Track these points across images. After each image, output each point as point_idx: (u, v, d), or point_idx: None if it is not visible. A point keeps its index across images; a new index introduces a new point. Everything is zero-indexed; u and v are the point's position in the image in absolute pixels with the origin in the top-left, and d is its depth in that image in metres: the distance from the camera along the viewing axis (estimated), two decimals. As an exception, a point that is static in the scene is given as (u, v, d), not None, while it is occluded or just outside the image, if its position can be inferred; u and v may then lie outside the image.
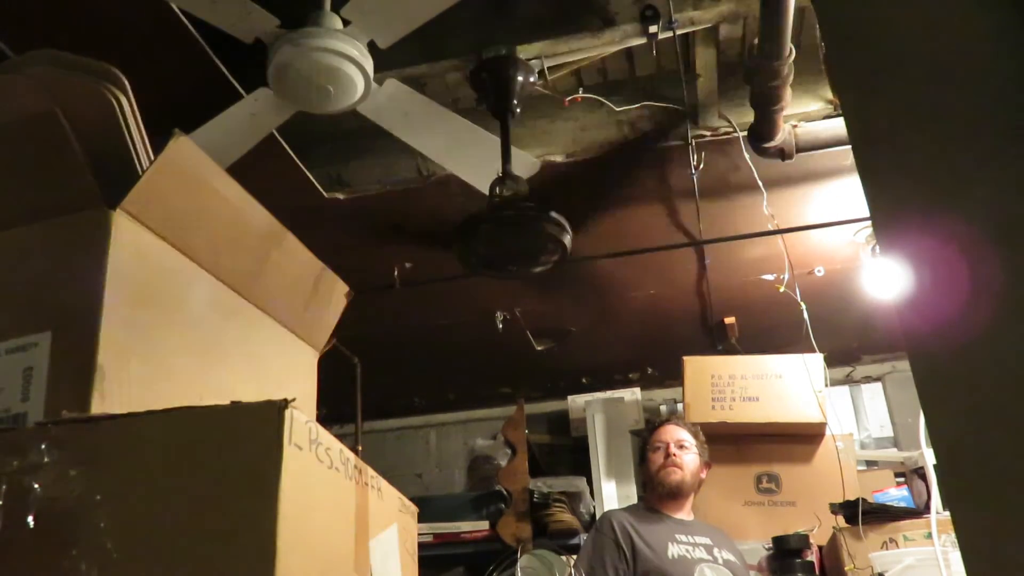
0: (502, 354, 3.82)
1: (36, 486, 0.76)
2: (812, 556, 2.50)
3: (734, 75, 2.38)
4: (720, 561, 2.41)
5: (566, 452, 4.08)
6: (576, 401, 3.99)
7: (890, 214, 0.67)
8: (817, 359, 2.97)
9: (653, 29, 2.05)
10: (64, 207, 0.96)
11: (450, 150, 2.27)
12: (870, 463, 3.64)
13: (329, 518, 0.85)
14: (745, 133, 2.38)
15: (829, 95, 2.40)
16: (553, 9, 2.12)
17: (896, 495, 2.85)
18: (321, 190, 2.66)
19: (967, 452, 0.59)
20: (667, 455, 2.54)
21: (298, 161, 2.51)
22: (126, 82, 1.00)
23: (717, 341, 3.68)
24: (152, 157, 1.01)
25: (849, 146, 0.73)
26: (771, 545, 2.53)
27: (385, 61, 1.96)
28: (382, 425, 4.48)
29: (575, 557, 2.66)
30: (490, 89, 2.14)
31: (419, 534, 1.14)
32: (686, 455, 2.55)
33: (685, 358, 3.13)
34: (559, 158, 2.56)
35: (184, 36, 1.95)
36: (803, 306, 2.75)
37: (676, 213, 2.93)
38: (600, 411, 3.82)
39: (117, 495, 0.76)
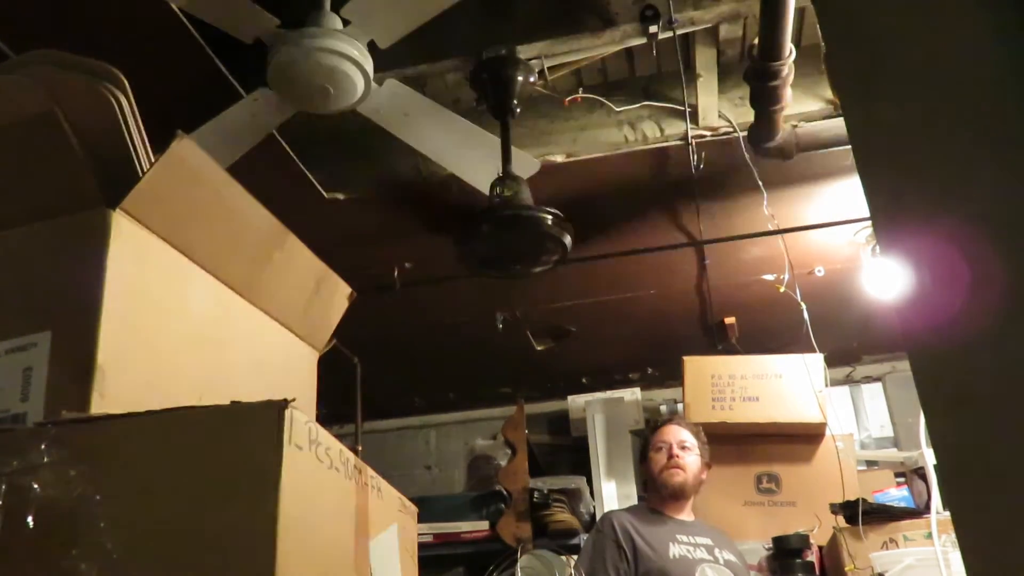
0: (502, 354, 3.82)
1: (36, 486, 0.76)
2: (812, 556, 2.50)
3: (734, 75, 2.38)
4: (721, 561, 2.41)
5: (566, 452, 4.08)
6: (576, 401, 3.99)
7: (890, 214, 0.67)
8: (817, 359, 2.97)
9: (653, 29, 2.05)
10: (64, 207, 0.96)
11: (450, 150, 2.27)
12: (870, 463, 3.64)
13: (329, 518, 0.85)
14: (745, 133, 2.38)
15: (829, 95, 2.40)
16: (553, 9, 2.12)
17: (896, 495, 2.85)
18: (321, 190, 2.66)
19: (967, 452, 0.59)
20: (670, 456, 2.54)
21: (298, 161, 2.51)
22: (126, 82, 1.00)
23: (717, 341, 3.68)
24: (152, 157, 1.01)
25: (849, 146, 0.73)
26: (771, 545, 2.53)
27: (385, 61, 1.96)
28: (382, 425, 4.48)
29: (575, 557, 2.66)
30: (490, 89, 2.14)
31: (419, 534, 1.14)
32: (688, 456, 2.55)
33: (685, 358, 3.13)
34: (559, 158, 2.56)
35: (184, 36, 1.95)
36: (803, 306, 2.75)
37: (676, 213, 2.93)
38: (600, 411, 3.82)
39: (117, 495, 0.76)
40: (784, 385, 3.02)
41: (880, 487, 2.94)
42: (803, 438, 3.03)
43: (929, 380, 0.62)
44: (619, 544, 2.40)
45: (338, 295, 1.33)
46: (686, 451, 2.55)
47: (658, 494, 2.55)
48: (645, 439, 2.73)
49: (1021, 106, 0.58)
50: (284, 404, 0.77)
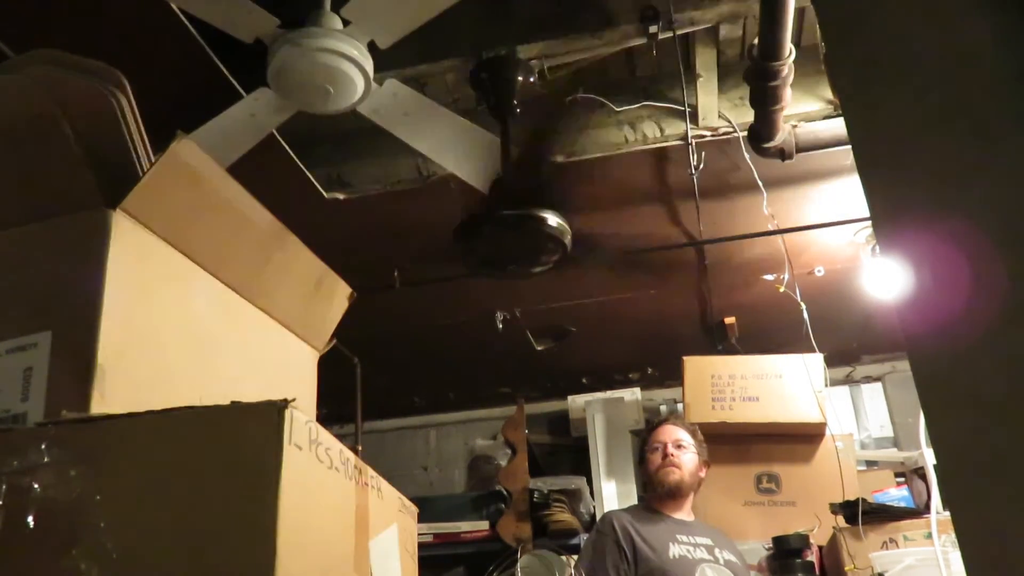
0: (502, 354, 3.83)
1: (36, 486, 0.76)
2: (812, 556, 2.50)
3: (734, 75, 2.38)
4: (721, 561, 2.41)
5: (566, 452, 4.08)
6: (576, 401, 3.99)
7: (890, 214, 0.67)
8: (817, 359, 2.97)
9: (653, 29, 2.05)
10: (64, 207, 0.96)
11: (450, 150, 2.27)
12: (870, 463, 3.64)
13: (329, 518, 0.85)
14: (745, 133, 2.38)
15: (829, 95, 2.40)
16: (553, 9, 2.12)
17: (896, 495, 2.85)
18: (321, 190, 2.66)
19: (967, 452, 0.59)
20: (665, 455, 2.54)
21: (298, 161, 2.51)
22: (126, 82, 1.00)
23: (717, 341, 3.68)
24: (152, 157, 1.01)
25: (849, 146, 0.73)
26: (771, 545, 2.53)
27: (385, 61, 1.96)
28: (382, 425, 4.49)
29: (575, 557, 2.66)
30: (490, 89, 2.14)
31: (419, 534, 1.14)
32: (684, 454, 2.55)
33: (685, 358, 3.13)
34: (559, 158, 2.56)
35: (184, 36, 1.95)
36: (803, 306, 2.75)
37: (676, 213, 2.93)
38: (600, 411, 3.82)
39: (117, 495, 0.76)
40: (784, 385, 3.01)
41: (880, 487, 2.94)
42: (803, 438, 3.03)
43: (929, 380, 0.62)
44: (619, 544, 2.40)
45: (338, 296, 1.33)
46: (682, 449, 2.55)
47: (655, 493, 2.55)
48: (642, 441, 2.74)
49: (1021, 106, 0.58)
50: (284, 404, 0.77)
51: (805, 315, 2.74)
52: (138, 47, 1.96)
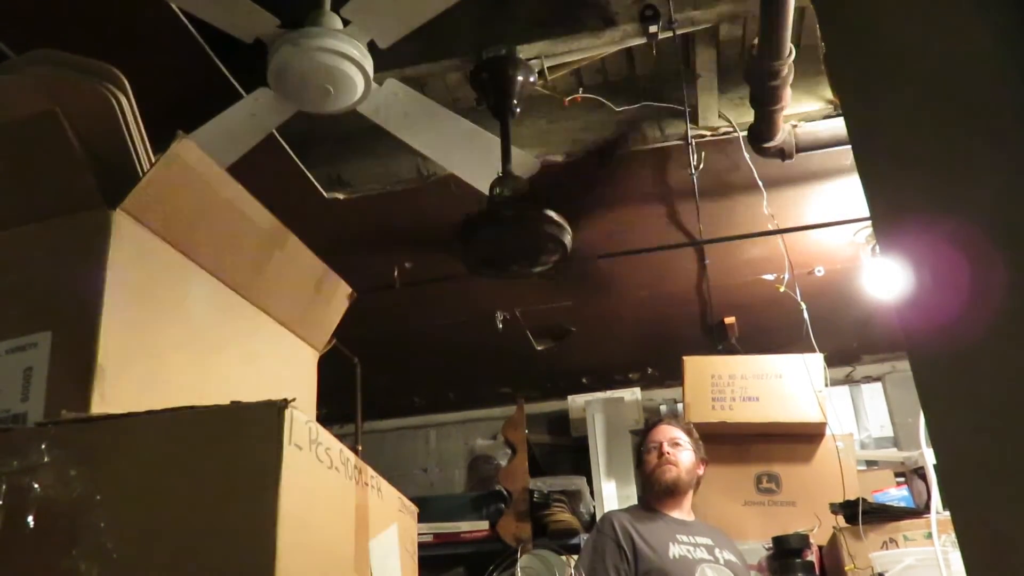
0: (502, 354, 3.82)
1: (36, 486, 0.76)
2: (812, 556, 2.50)
3: (734, 75, 2.38)
4: (721, 561, 2.40)
5: (566, 452, 4.08)
6: (576, 401, 3.99)
7: (890, 214, 0.67)
8: (817, 359, 2.97)
9: (653, 29, 2.05)
10: (64, 207, 0.96)
11: (450, 150, 2.27)
12: (870, 463, 3.64)
13: (329, 518, 0.85)
14: (745, 133, 2.38)
15: (829, 95, 2.40)
16: (553, 9, 2.12)
17: (896, 495, 2.85)
18: (321, 190, 2.66)
19: (967, 452, 0.59)
20: (661, 454, 2.54)
21: (298, 161, 2.51)
22: (126, 82, 1.00)
23: (717, 341, 3.68)
24: (152, 157, 1.01)
25: (849, 146, 0.73)
26: (771, 545, 2.52)
27: (385, 61, 1.96)
28: (382, 425, 4.49)
29: (575, 557, 2.66)
30: (490, 89, 2.14)
31: (419, 534, 1.14)
32: (681, 453, 2.55)
33: (685, 358, 3.12)
34: (559, 158, 2.56)
35: (184, 36, 1.95)
36: (803, 306, 2.75)
37: (676, 213, 2.93)
38: (600, 411, 3.82)
39: (117, 495, 0.76)
40: (784, 385, 3.01)
41: (880, 487, 2.94)
42: (803, 438, 3.03)
43: (929, 380, 0.62)
44: (619, 544, 2.40)
45: (338, 295, 1.33)
46: (678, 448, 2.55)
47: (653, 492, 2.55)
48: (639, 442, 2.74)
49: (1021, 106, 0.58)
50: (284, 404, 0.77)
51: (805, 315, 2.74)
52: (138, 47, 1.96)
